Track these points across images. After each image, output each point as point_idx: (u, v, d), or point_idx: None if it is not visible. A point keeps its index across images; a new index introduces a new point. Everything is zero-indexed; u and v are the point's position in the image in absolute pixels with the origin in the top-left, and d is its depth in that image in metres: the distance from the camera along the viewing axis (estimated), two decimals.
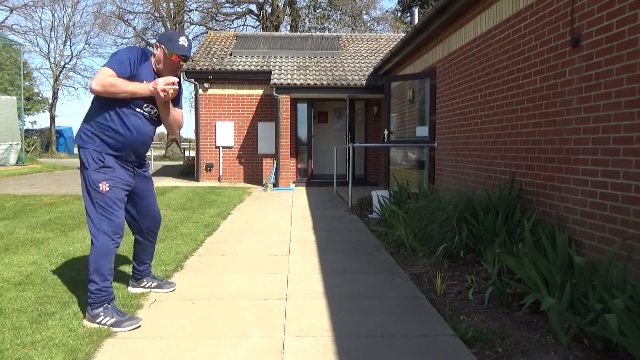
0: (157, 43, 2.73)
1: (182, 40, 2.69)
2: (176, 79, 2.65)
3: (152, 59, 2.75)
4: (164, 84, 2.59)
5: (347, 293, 3.14)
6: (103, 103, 2.61)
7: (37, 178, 12.43)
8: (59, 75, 29.45)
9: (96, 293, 2.53)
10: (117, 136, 2.63)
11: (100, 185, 2.57)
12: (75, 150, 25.10)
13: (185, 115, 3.09)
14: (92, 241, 2.57)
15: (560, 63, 3.59)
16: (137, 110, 2.68)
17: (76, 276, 3.39)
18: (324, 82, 10.52)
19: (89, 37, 34.54)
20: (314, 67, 11.49)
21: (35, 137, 28.30)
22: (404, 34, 10.73)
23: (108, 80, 2.51)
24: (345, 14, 26.42)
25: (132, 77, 2.60)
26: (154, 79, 2.68)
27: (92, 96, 2.65)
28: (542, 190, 3.83)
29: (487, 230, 3.72)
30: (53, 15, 36.64)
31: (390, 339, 2.40)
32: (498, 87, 4.68)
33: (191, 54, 2.84)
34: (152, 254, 3.12)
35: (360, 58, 12.33)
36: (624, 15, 2.89)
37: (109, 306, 2.54)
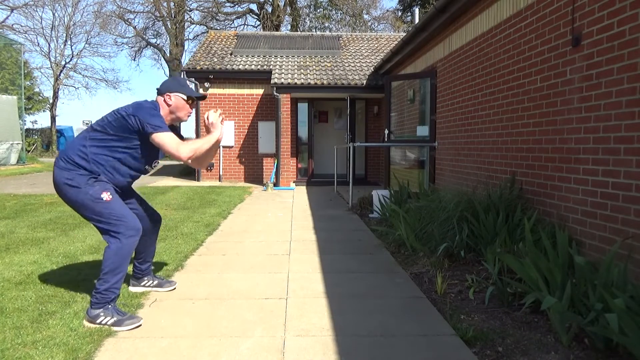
0: (169, 93, 2.77)
1: (191, 84, 2.79)
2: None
3: (161, 111, 2.75)
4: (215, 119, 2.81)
5: (347, 292, 3.14)
6: (112, 152, 2.63)
7: (38, 177, 12.43)
8: (60, 75, 29.43)
9: (104, 293, 2.52)
10: (121, 179, 2.73)
11: (103, 195, 2.57)
12: None
13: None
14: (111, 242, 2.56)
15: (560, 62, 3.59)
16: (147, 167, 2.83)
17: (77, 276, 3.39)
18: (325, 82, 10.51)
19: (90, 37, 34.39)
20: (314, 67, 11.48)
21: (36, 137, 28.29)
22: (404, 34, 10.73)
23: (190, 146, 2.64)
24: (346, 14, 26.41)
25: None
26: None
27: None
28: (542, 190, 3.82)
29: (487, 229, 3.72)
30: (53, 14, 36.47)
31: (390, 338, 2.40)
32: (499, 87, 4.67)
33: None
34: (154, 252, 3.15)
35: (361, 57, 12.32)
36: (625, 14, 2.89)
37: (109, 306, 2.54)
